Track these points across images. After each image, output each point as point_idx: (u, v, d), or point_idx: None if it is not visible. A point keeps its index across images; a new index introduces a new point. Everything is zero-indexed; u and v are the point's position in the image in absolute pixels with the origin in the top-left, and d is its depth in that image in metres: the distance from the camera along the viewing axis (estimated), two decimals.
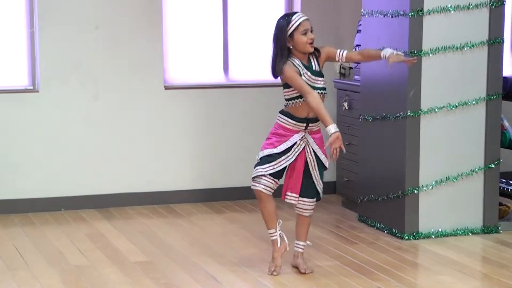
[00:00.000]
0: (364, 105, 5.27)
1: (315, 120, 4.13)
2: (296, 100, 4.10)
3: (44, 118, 5.61)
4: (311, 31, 4.08)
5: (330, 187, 6.12)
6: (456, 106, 4.88)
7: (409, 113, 4.82)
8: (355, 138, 5.53)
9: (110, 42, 5.68)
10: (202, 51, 6.00)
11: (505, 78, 5.13)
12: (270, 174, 4.10)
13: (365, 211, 5.28)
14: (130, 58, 5.72)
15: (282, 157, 4.11)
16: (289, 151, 4.12)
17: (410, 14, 4.74)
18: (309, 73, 4.08)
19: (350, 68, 5.93)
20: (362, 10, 5.24)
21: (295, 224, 4.31)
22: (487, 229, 4.99)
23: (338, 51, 4.19)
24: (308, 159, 4.14)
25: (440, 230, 4.92)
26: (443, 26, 4.81)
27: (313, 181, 4.17)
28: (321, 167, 4.19)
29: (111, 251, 4.66)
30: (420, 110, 4.83)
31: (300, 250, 4.26)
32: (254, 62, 6.12)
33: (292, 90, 4.08)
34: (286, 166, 4.14)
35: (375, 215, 5.16)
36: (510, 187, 5.25)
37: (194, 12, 5.97)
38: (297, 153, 4.13)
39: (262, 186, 4.11)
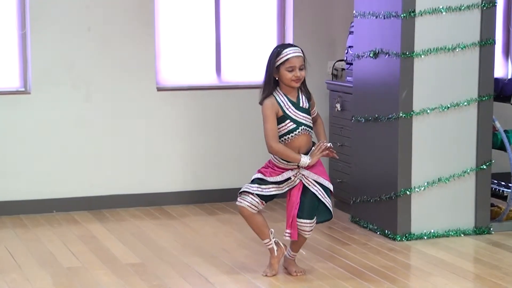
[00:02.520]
0: (357, 106, 5.28)
1: (308, 153, 4.08)
2: (286, 136, 4.06)
3: (35, 119, 5.60)
4: (301, 69, 4.01)
5: None
6: (448, 107, 4.89)
7: (401, 114, 4.83)
8: (347, 140, 5.54)
9: (102, 43, 5.67)
10: (195, 52, 6.00)
11: (497, 80, 5.15)
12: (257, 195, 4.07)
13: (358, 212, 5.29)
14: (122, 60, 5.72)
15: (274, 185, 4.08)
16: (282, 183, 4.09)
17: (402, 15, 4.75)
18: (293, 108, 4.05)
19: (343, 69, 5.94)
20: (354, 12, 5.25)
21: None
22: (479, 230, 5.00)
23: (315, 109, 4.20)
24: (313, 190, 4.06)
25: (432, 231, 4.93)
26: (435, 27, 4.83)
27: (315, 203, 4.08)
28: (328, 190, 4.13)
29: (103, 253, 4.65)
30: (412, 111, 4.84)
31: (291, 258, 4.26)
32: (247, 64, 6.12)
33: (280, 127, 4.05)
34: (275, 195, 4.10)
35: (367, 216, 5.17)
36: (501, 188, 5.27)
37: (187, 13, 5.96)
38: (289, 187, 4.10)
39: (247, 204, 4.08)
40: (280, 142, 4.05)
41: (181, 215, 5.61)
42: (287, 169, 4.08)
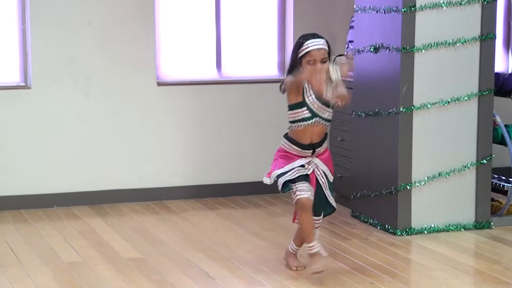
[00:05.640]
0: (357, 101, 5.27)
1: (321, 143, 4.01)
2: (299, 123, 3.95)
3: (36, 114, 5.59)
4: (323, 61, 3.86)
5: None
6: (449, 102, 4.88)
7: (401, 109, 4.83)
8: (347, 134, 5.53)
9: (102, 38, 5.66)
10: (195, 47, 5.99)
11: (497, 74, 5.14)
12: (300, 177, 3.93)
13: (358, 207, 5.29)
14: (122, 55, 5.71)
15: (295, 168, 3.97)
16: (300, 167, 3.99)
17: (402, 10, 4.74)
18: (313, 96, 3.91)
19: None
20: (354, 6, 5.24)
21: (291, 222, 4.30)
22: (480, 225, 5.00)
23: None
24: (320, 182, 4.02)
25: (432, 225, 4.93)
26: (436, 22, 4.82)
27: (323, 199, 4.04)
28: (331, 184, 4.10)
29: (103, 247, 4.65)
30: (413, 106, 4.83)
31: (294, 252, 4.24)
32: (247, 58, 6.11)
33: (295, 112, 3.95)
34: (305, 175, 3.96)
35: (368, 211, 5.17)
36: (502, 183, 5.26)
37: (187, 8, 5.95)
38: (309, 171, 3.99)
39: (309, 194, 3.91)
40: (295, 127, 3.95)
41: (181, 209, 5.62)
42: (300, 157, 3.98)
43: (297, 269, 4.17)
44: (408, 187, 4.86)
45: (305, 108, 3.93)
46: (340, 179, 5.67)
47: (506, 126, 5.17)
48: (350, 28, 5.65)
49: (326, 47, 3.92)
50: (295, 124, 3.97)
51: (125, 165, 5.78)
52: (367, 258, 4.42)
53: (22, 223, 5.25)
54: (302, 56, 3.89)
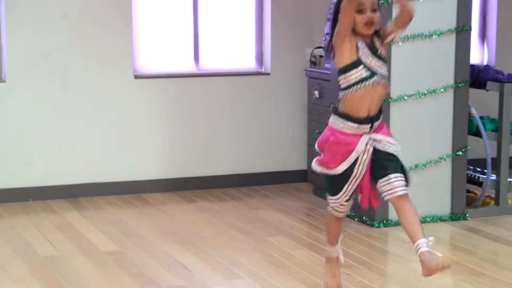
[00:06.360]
0: (335, 93, 5.23)
1: (379, 114, 3.39)
2: (357, 85, 3.30)
3: (11, 108, 5.54)
4: (374, 10, 3.31)
5: (301, 175, 6.15)
6: (425, 94, 4.91)
7: None
8: (325, 127, 5.53)
9: (78, 31, 5.61)
10: (173, 39, 5.96)
11: (473, 66, 5.18)
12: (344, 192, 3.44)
13: None
14: (99, 47, 5.67)
15: (350, 179, 3.39)
16: (354, 168, 3.37)
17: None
18: (370, 53, 3.32)
19: (321, 56, 5.94)
20: None
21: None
22: (455, 216, 5.04)
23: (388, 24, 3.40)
24: (394, 153, 3.37)
25: None
26: None
27: (399, 161, 3.36)
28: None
29: (81, 241, 4.63)
30: (390, 98, 4.85)
31: (425, 249, 3.26)
32: (225, 51, 6.10)
33: (350, 75, 3.31)
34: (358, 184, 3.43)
35: None
36: (477, 174, 5.31)
37: (164, 0, 5.92)
38: (365, 167, 3.37)
39: (344, 213, 3.54)
40: (350, 93, 3.32)
41: (159, 203, 5.60)
42: (357, 136, 3.34)
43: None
44: None
45: (362, 66, 3.32)
46: None
47: (481, 117, 5.21)
48: (328, 20, 5.65)
49: None
50: (351, 89, 3.32)
51: (102, 158, 5.75)
52: (345, 250, 4.41)
53: None
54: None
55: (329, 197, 3.52)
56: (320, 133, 5.54)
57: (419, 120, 4.94)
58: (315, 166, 3.46)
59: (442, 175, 4.99)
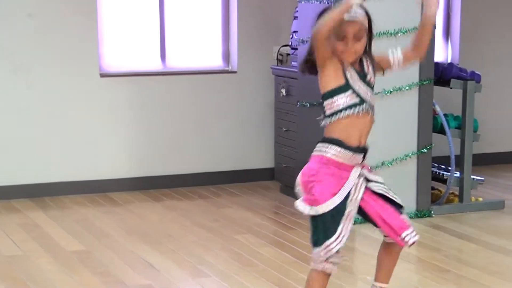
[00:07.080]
0: (302, 91, 5.30)
1: (367, 147, 3.04)
2: (345, 112, 2.96)
3: None
4: (358, 39, 2.94)
5: (268, 173, 6.16)
6: (391, 91, 4.95)
7: None
8: (293, 124, 5.56)
9: (43, 29, 5.55)
10: (139, 37, 5.93)
11: (437, 64, 5.23)
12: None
13: None
14: (64, 45, 5.61)
15: (343, 217, 2.97)
16: (346, 203, 2.97)
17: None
18: (358, 77, 2.99)
19: (288, 54, 5.95)
20: None
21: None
22: (420, 213, 5.09)
23: (390, 52, 3.08)
24: (379, 191, 3.08)
25: None
26: (378, 12, 4.80)
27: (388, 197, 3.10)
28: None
29: (46, 241, 4.58)
30: None
31: None
32: (192, 49, 6.08)
33: (339, 98, 2.97)
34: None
35: None
36: (441, 172, 5.37)
37: None
38: (358, 201, 3.00)
39: (338, 263, 3.08)
40: (342, 117, 2.97)
41: (125, 201, 5.57)
42: (348, 167, 2.98)
43: None
44: None
45: (351, 91, 2.96)
46: (285, 169, 5.70)
47: (445, 115, 5.27)
48: (295, 18, 5.68)
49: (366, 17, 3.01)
50: (338, 115, 2.98)
51: (68, 157, 5.69)
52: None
53: None
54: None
55: (317, 249, 3.01)
56: (287, 130, 5.59)
57: (384, 118, 4.97)
58: (303, 207, 2.99)
59: (408, 173, 5.04)
